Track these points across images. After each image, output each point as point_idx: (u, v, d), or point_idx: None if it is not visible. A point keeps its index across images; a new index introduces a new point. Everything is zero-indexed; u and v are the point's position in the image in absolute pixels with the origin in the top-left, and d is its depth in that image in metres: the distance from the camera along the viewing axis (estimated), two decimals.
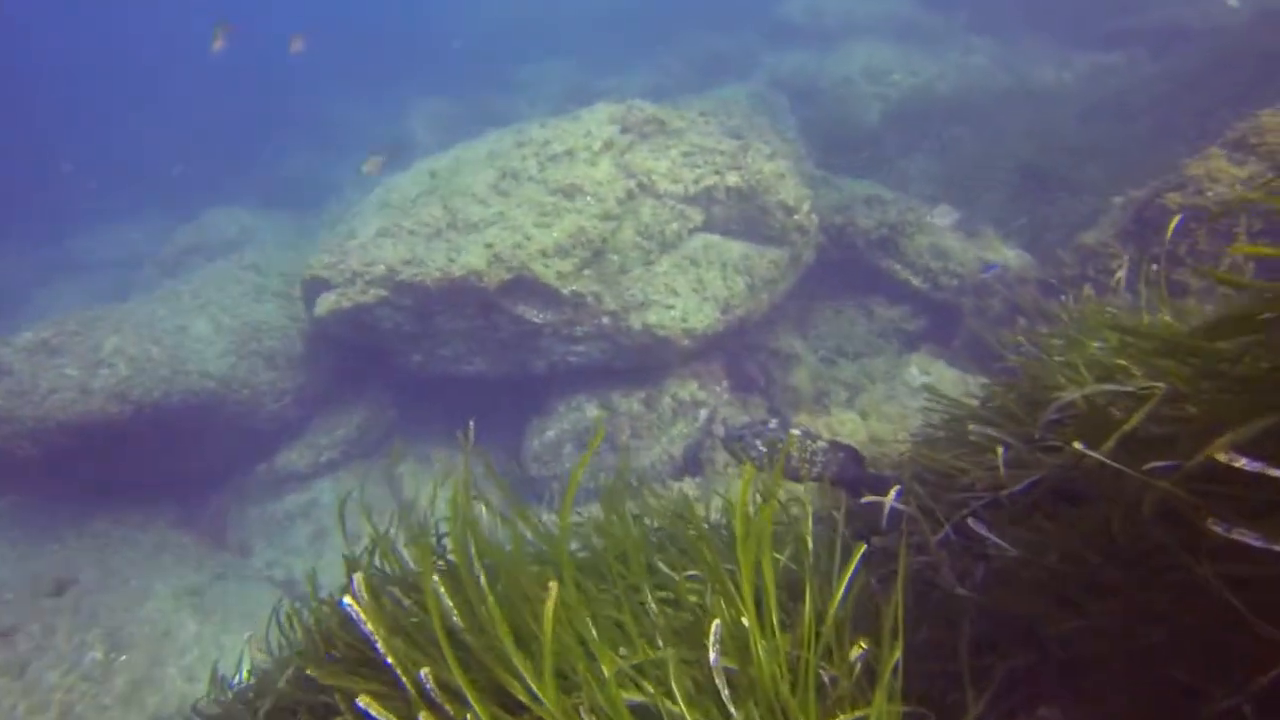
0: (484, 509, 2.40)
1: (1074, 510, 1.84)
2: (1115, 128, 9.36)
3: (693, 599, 2.14)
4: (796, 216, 7.97)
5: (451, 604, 1.65)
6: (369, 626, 1.59)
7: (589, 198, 7.97)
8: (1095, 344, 2.29)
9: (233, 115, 22.89)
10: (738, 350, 8.40)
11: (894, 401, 6.78)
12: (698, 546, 2.15)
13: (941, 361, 7.36)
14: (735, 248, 7.98)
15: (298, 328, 8.88)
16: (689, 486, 6.51)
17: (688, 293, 7.65)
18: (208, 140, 21.78)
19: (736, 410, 8.00)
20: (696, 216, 8.09)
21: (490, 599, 1.58)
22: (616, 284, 7.59)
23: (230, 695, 2.92)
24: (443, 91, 19.28)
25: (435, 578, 1.67)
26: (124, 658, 6.13)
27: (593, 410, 7.93)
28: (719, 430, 7.80)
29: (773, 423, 3.35)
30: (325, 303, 7.82)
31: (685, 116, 9.07)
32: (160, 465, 8.13)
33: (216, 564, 7.67)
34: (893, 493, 2.33)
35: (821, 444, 3.37)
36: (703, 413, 7.88)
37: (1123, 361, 2.08)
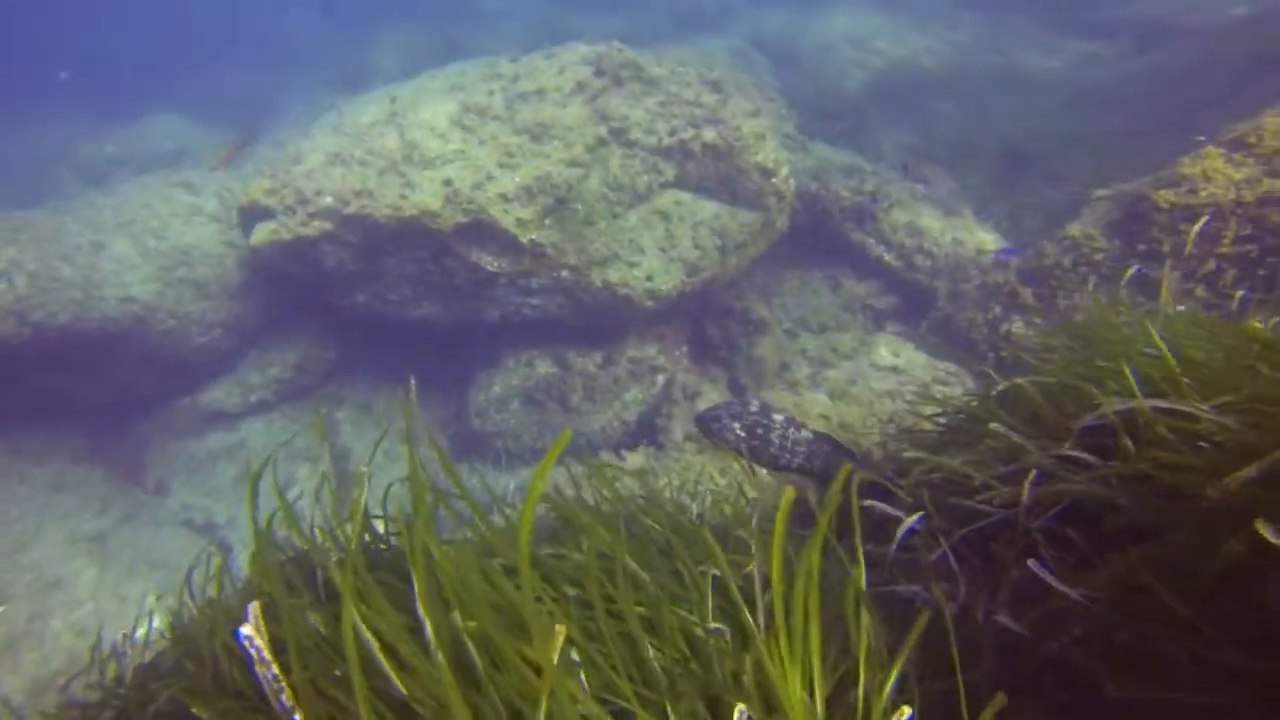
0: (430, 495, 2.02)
1: (1142, 548, 1.56)
2: (1100, 118, 9.18)
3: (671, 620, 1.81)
4: (774, 180, 7.61)
5: (379, 651, 1.29)
6: (274, 669, 1.22)
7: (557, 142, 7.48)
8: (1146, 350, 2.00)
9: (182, 25, 21.39)
10: (700, 314, 8.07)
11: (861, 382, 6.55)
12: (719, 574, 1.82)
13: (910, 344, 7.15)
14: (707, 207, 7.60)
15: (234, 255, 8.20)
16: (643, 456, 6.22)
17: (654, 251, 7.26)
18: (152, 47, 20.29)
19: (695, 379, 7.70)
20: (669, 171, 7.66)
21: (446, 671, 1.23)
22: (580, 236, 7.16)
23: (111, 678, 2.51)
24: (410, 16, 18.21)
25: (358, 619, 1.31)
26: (1, 609, 5.55)
27: (545, 367, 7.54)
28: (678, 396, 7.50)
29: (754, 405, 3.03)
30: (263, 232, 7.21)
31: (664, 64, 8.56)
32: (70, 393, 7.47)
33: (126, 504, 7.08)
34: (914, 518, 2.04)
35: (805, 434, 3.07)
36: (660, 379, 7.56)
37: (1185, 380, 1.79)
